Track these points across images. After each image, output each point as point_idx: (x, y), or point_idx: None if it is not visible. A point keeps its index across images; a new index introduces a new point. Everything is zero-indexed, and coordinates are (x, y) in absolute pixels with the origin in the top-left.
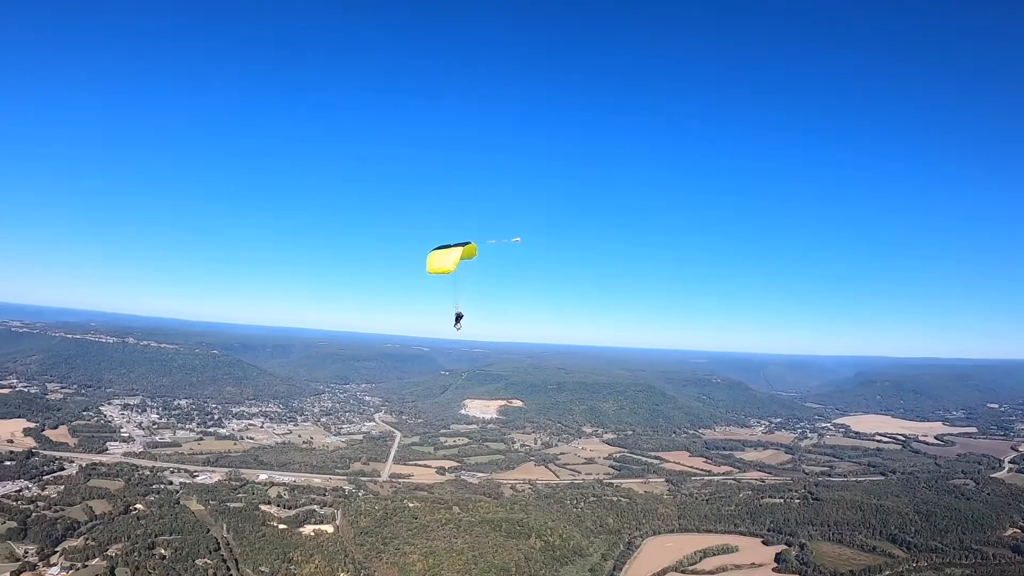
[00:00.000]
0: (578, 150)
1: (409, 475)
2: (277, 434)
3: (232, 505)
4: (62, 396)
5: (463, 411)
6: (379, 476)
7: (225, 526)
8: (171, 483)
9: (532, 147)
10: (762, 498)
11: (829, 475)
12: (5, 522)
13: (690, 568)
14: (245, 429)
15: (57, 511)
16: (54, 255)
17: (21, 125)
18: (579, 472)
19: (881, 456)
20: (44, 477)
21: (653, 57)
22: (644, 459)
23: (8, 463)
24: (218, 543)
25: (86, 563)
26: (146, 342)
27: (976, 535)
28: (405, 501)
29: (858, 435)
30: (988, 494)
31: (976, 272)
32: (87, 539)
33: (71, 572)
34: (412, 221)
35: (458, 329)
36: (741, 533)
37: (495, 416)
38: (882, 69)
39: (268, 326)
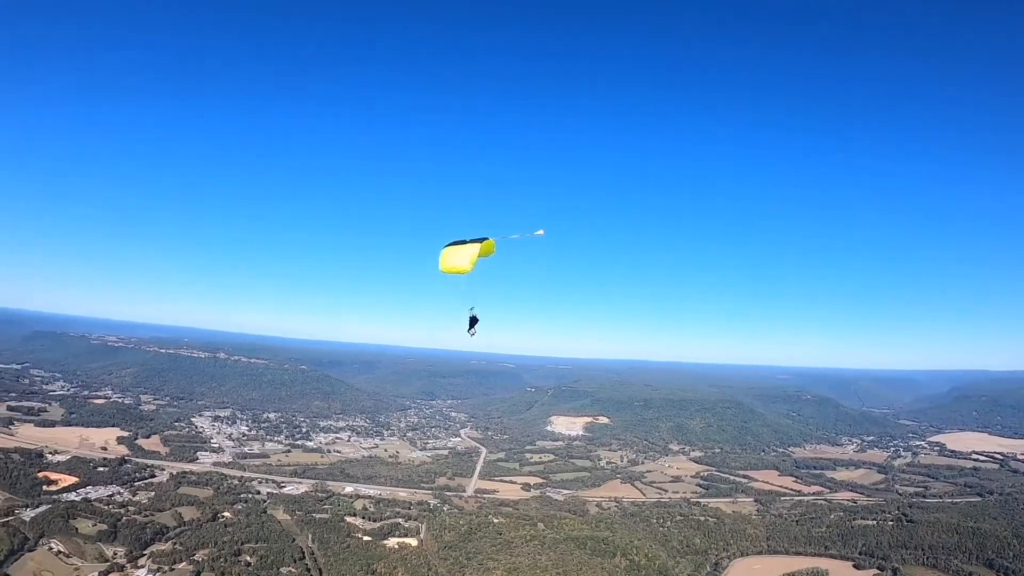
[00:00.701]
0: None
1: (494, 491)
2: (364, 448)
3: (318, 516)
4: (155, 407)
5: (549, 427)
6: (464, 491)
7: (310, 536)
8: (259, 493)
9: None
10: (854, 520)
11: (923, 496)
12: (96, 524)
13: None
14: (332, 442)
15: (147, 516)
16: (150, 275)
17: (118, 153)
18: (666, 490)
19: (978, 476)
20: (135, 483)
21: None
22: (732, 478)
23: (101, 469)
24: (303, 552)
25: (173, 567)
26: (236, 357)
27: None
28: (490, 516)
29: (954, 454)
30: None
31: None
32: (175, 544)
33: (158, 575)
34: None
35: (472, 335)
36: (832, 556)
37: (581, 433)
38: None
39: (356, 343)
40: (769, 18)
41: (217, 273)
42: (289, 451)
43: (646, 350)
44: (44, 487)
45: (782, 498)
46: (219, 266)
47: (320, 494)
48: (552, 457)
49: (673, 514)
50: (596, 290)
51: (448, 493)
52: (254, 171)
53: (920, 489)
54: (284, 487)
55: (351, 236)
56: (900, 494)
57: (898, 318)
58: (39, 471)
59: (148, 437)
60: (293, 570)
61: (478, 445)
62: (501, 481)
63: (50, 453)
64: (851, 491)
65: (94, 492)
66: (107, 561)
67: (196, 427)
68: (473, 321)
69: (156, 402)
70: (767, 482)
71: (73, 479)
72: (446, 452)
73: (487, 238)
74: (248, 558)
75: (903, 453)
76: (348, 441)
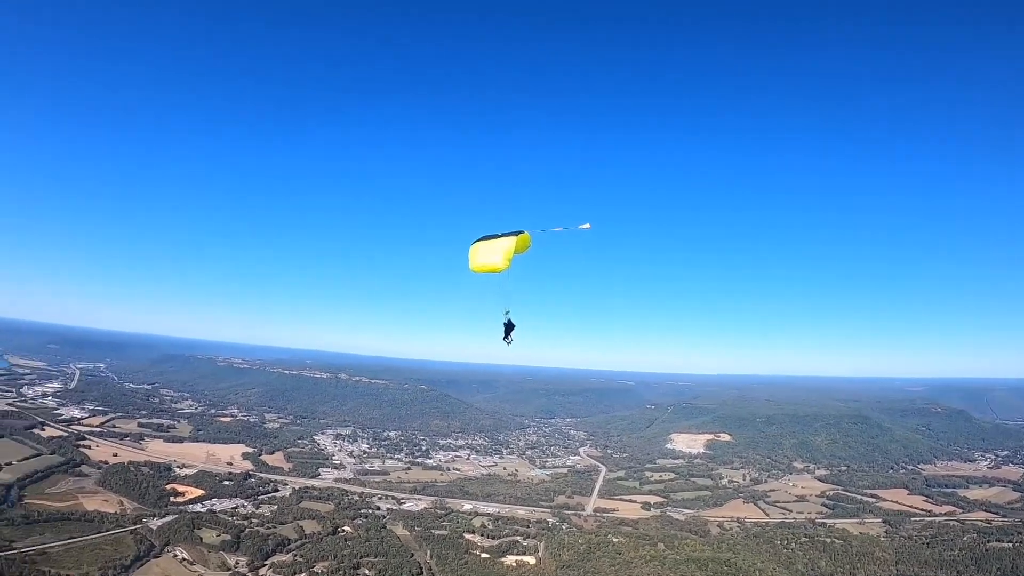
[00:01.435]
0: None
1: (614, 510)
2: (483, 466)
3: (437, 532)
4: (278, 425)
5: (669, 445)
6: (583, 510)
7: (429, 552)
8: (378, 508)
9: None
10: (988, 542)
11: None
12: (220, 534)
13: None
14: (451, 460)
15: (269, 528)
16: (274, 302)
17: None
18: (790, 510)
19: None
20: (259, 497)
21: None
22: (859, 497)
23: (227, 483)
24: (421, 568)
25: None
26: (358, 378)
27: None
28: (609, 536)
29: None
30: None
31: None
32: (295, 555)
33: None
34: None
35: (508, 343)
36: None
37: (702, 451)
38: None
39: (474, 363)
40: (771, 18)
41: (339, 297)
42: (409, 468)
43: (768, 364)
44: (171, 498)
45: (912, 519)
46: (342, 291)
47: (439, 511)
48: (672, 476)
49: (798, 535)
50: (718, 303)
51: (567, 512)
52: (376, 201)
53: None
54: (403, 503)
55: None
56: None
57: None
58: (167, 483)
59: (272, 453)
60: None
61: (597, 463)
62: (621, 500)
63: (178, 467)
64: (985, 511)
65: (219, 504)
66: (229, 570)
67: (318, 444)
68: (508, 328)
69: (280, 420)
70: (896, 502)
71: (199, 491)
72: (565, 470)
73: (522, 231)
74: (367, 572)
75: None
76: (467, 459)
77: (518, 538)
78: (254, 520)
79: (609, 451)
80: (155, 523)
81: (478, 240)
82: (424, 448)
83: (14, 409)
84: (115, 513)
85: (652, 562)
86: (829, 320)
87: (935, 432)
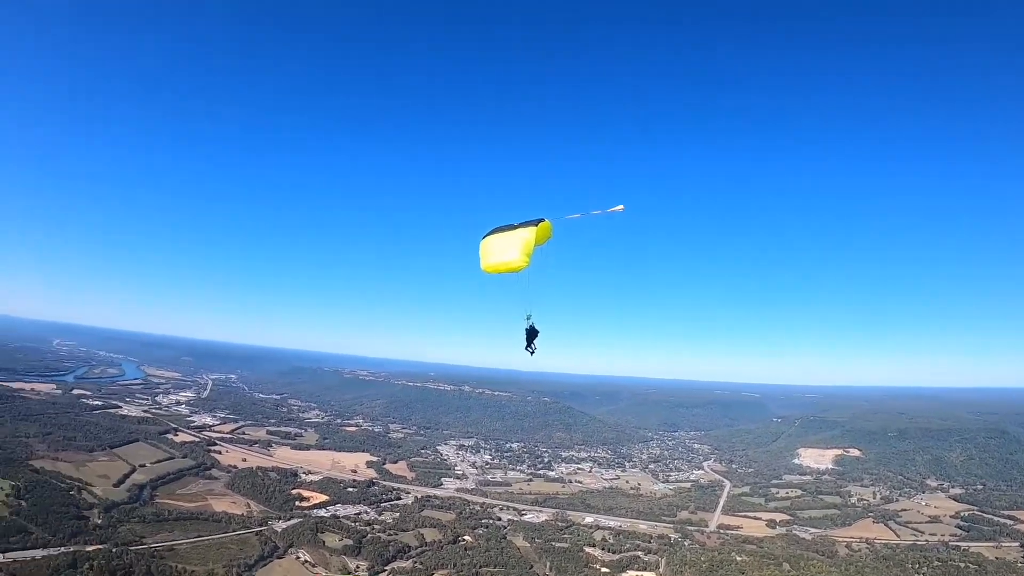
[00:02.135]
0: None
1: (737, 527)
2: (605, 479)
3: (557, 545)
4: (402, 435)
5: (796, 460)
6: (706, 526)
7: (548, 564)
8: (499, 519)
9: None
10: None
11: None
12: (342, 539)
13: None
14: (573, 473)
15: (390, 535)
16: (398, 317)
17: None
18: (921, 532)
19: None
20: (382, 504)
21: None
22: (996, 519)
23: (351, 489)
24: None
25: None
26: (480, 390)
27: None
28: (732, 554)
29: None
30: None
31: None
32: (415, 562)
33: None
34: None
35: (531, 352)
36: None
37: (830, 466)
38: None
39: (596, 375)
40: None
41: (463, 310)
42: (531, 480)
43: (900, 375)
44: (296, 503)
45: None
46: (466, 304)
47: (560, 523)
48: (799, 492)
49: (930, 559)
50: (848, 310)
51: (689, 527)
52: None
53: None
54: (524, 515)
55: (589, 270)
56: None
57: None
58: (293, 488)
59: (395, 462)
60: None
61: (721, 478)
62: (745, 517)
63: (304, 473)
64: None
65: (342, 510)
66: (349, 574)
67: (441, 455)
68: (531, 335)
69: (404, 431)
70: None
71: (324, 497)
72: (688, 485)
73: (542, 219)
74: None
75: None
76: (589, 472)
77: (639, 553)
78: (376, 526)
79: (734, 466)
80: (280, 525)
81: (490, 233)
82: (546, 460)
83: (150, 416)
84: (242, 515)
85: None
86: (964, 326)
87: None
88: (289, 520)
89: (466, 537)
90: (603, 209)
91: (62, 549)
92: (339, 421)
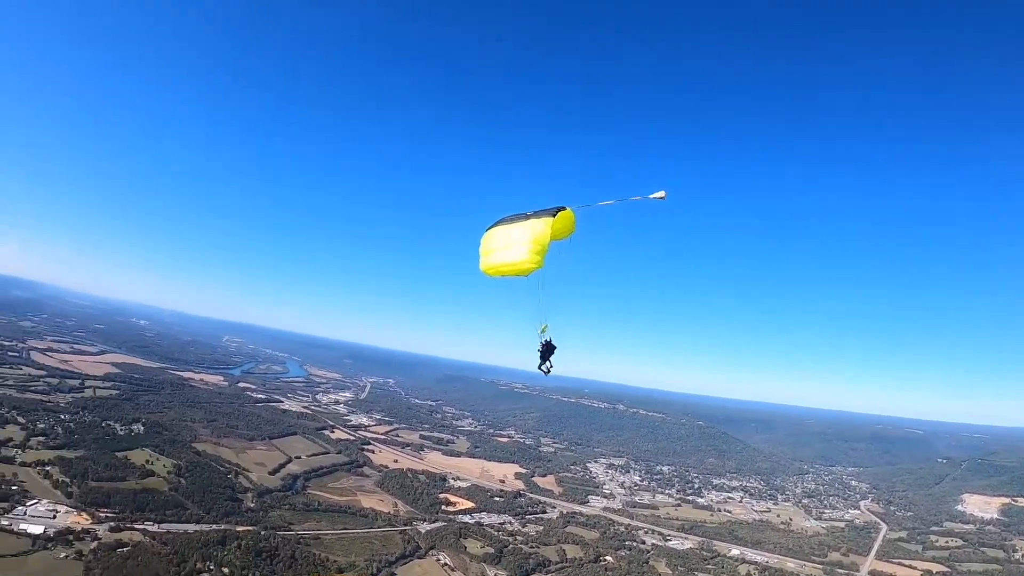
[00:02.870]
0: None
1: (891, 574)
2: (755, 511)
3: (699, 574)
4: (553, 450)
5: (959, 507)
6: (857, 570)
7: None
8: (643, 542)
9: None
10: None
11: None
12: (484, 547)
13: None
14: (724, 501)
15: (532, 547)
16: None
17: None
18: None
19: None
20: (526, 516)
21: None
22: None
23: (497, 499)
24: None
25: None
26: (634, 409)
27: None
28: None
29: None
30: None
31: None
32: None
33: None
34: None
35: (546, 372)
36: None
37: (996, 516)
38: None
39: (752, 400)
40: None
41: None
42: (679, 505)
43: None
44: (443, 506)
45: None
46: (621, 322)
47: (705, 552)
48: (960, 543)
49: None
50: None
51: (839, 570)
52: None
53: None
54: (669, 540)
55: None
56: None
57: None
58: (440, 492)
59: (544, 476)
60: None
61: (878, 520)
62: (899, 564)
63: (452, 479)
64: None
65: (487, 518)
66: None
67: (590, 472)
68: (547, 352)
69: (555, 445)
70: None
71: (470, 504)
72: (842, 524)
73: (563, 208)
74: None
75: None
76: (740, 502)
77: None
78: (519, 537)
79: (892, 507)
80: (424, 527)
81: (493, 226)
82: (696, 486)
83: (309, 412)
84: (388, 513)
85: None
86: None
87: None
88: (434, 523)
89: (608, 557)
90: (643, 195)
91: (214, 526)
92: (491, 431)
